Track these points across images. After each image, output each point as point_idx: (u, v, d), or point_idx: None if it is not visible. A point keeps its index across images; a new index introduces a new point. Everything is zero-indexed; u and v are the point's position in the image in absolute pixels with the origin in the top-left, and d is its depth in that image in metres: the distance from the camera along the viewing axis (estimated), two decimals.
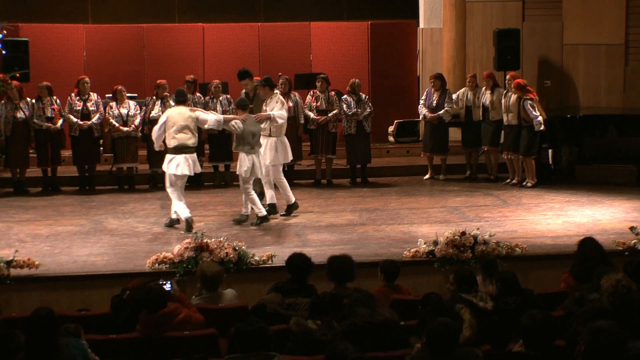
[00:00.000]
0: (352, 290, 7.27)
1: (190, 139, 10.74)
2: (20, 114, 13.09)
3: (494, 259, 8.15)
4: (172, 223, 10.98)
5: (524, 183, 13.43)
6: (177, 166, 10.67)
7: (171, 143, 10.73)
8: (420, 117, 14.44)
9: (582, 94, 16.27)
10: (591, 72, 16.22)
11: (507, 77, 13.85)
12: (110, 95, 13.88)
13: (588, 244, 7.94)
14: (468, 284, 7.01)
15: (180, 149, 10.68)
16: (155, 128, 11.02)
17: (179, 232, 10.65)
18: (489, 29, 15.95)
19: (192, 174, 10.97)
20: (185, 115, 10.79)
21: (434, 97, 14.08)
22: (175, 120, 10.74)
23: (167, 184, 10.88)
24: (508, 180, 13.73)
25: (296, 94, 13.84)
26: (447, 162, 14.33)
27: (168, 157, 10.79)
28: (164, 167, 10.88)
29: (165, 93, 13.39)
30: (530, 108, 13.11)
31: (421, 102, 14.29)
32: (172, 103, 12.01)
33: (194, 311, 6.81)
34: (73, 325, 6.21)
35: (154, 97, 13.61)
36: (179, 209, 10.71)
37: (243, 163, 10.90)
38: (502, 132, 13.79)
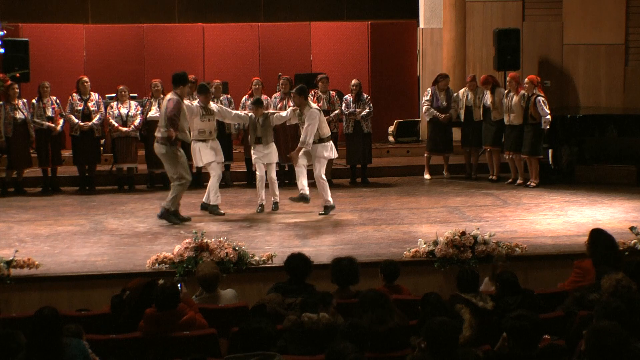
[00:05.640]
0: (354, 294, 7.26)
1: None
2: (19, 115, 13.09)
3: (515, 279, 7.11)
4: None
5: (528, 183, 13.42)
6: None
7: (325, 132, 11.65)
8: (427, 117, 14.31)
9: (582, 94, 16.26)
10: (591, 72, 16.22)
11: (508, 78, 13.80)
12: (114, 95, 13.88)
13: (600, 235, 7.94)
14: (470, 284, 7.02)
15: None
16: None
17: (179, 231, 10.65)
18: (489, 29, 15.95)
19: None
20: None
21: (442, 97, 14.08)
22: None
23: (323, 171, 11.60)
24: (510, 180, 13.73)
25: None
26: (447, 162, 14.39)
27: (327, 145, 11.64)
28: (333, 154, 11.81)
29: (161, 95, 13.40)
30: (543, 105, 13.08)
31: (427, 103, 14.22)
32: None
33: (200, 316, 6.81)
34: (74, 325, 6.21)
35: (151, 98, 13.61)
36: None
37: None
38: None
